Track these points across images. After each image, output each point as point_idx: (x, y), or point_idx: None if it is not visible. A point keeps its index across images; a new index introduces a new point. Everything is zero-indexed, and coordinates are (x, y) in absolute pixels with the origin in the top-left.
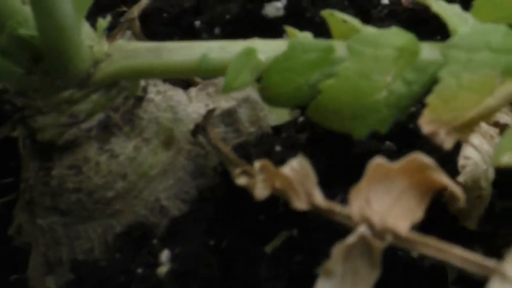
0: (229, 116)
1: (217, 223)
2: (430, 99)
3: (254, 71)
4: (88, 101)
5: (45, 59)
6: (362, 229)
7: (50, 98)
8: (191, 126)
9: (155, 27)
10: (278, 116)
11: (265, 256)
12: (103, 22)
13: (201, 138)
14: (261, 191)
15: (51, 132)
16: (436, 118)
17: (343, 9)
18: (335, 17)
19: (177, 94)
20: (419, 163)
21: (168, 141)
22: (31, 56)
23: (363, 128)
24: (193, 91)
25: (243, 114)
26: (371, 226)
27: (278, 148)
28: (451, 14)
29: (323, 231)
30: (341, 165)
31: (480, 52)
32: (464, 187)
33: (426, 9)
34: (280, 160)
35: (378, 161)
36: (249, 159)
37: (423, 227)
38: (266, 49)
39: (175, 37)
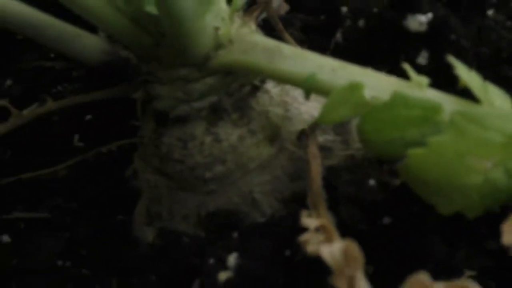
0: (341, 126)
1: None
2: None
3: (355, 107)
4: (203, 82)
5: (168, 37)
6: None
7: (170, 72)
8: (299, 127)
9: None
10: None
11: None
12: (239, 0)
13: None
14: (312, 249)
15: (165, 102)
16: None
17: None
18: (473, 79)
19: (296, 89)
20: None
21: (273, 138)
22: (158, 30)
23: (449, 207)
24: None
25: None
26: None
27: (371, 182)
28: None
29: None
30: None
31: None
32: None
33: None
34: (371, 200)
35: (420, 277)
36: (335, 187)
37: None
38: (375, 85)
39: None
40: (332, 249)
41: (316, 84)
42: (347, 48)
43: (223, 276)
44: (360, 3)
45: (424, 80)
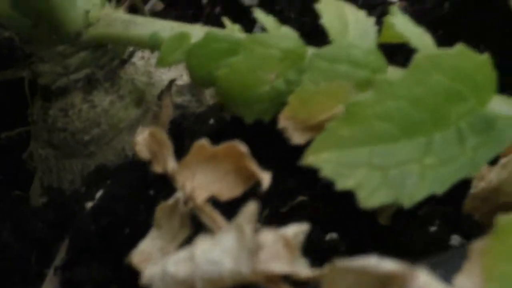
0: (195, 87)
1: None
2: (291, 98)
3: (184, 51)
4: (77, 56)
5: (44, 18)
6: (178, 195)
7: (49, 50)
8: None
9: None
10: None
11: None
12: None
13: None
14: (143, 153)
15: (48, 78)
16: (293, 116)
17: None
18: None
19: None
20: (236, 150)
21: (139, 101)
22: (36, 11)
23: (250, 115)
24: None
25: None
26: (184, 193)
27: (211, 121)
28: (334, 25)
29: None
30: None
31: (340, 64)
32: None
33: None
34: (208, 132)
35: (201, 143)
36: (180, 123)
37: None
38: (201, 34)
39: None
40: (143, 136)
41: (158, 41)
42: None
43: (89, 204)
44: None
45: (236, 27)
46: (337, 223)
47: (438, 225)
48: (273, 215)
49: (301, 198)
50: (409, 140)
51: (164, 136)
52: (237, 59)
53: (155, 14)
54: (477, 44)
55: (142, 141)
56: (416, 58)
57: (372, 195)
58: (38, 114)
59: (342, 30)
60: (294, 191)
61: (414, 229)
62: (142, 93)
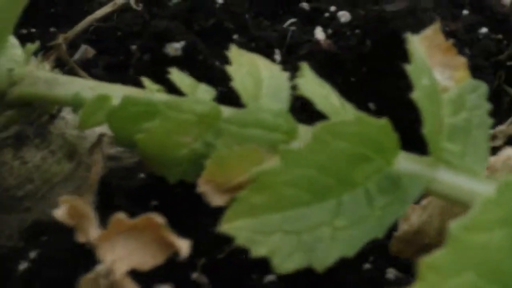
0: None
1: None
2: (208, 162)
3: (105, 113)
4: (4, 115)
5: None
6: (99, 267)
7: None
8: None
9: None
10: None
11: None
12: (31, 46)
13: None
14: (66, 219)
15: None
16: (211, 179)
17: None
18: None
19: None
20: (154, 221)
21: (71, 155)
22: None
23: (172, 176)
24: None
25: None
26: (105, 265)
27: (141, 175)
28: (246, 87)
29: None
30: None
31: (251, 128)
32: None
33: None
34: (138, 187)
35: (118, 217)
36: (110, 182)
37: None
38: (122, 95)
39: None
40: (63, 208)
41: (80, 101)
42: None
43: (22, 266)
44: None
45: (155, 87)
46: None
47: (372, 262)
48: (210, 263)
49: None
50: (320, 203)
51: (86, 208)
52: (154, 124)
53: (86, 62)
54: (397, 79)
55: (64, 212)
56: (316, 129)
57: (286, 260)
58: None
59: (254, 92)
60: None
61: (347, 267)
62: (73, 147)
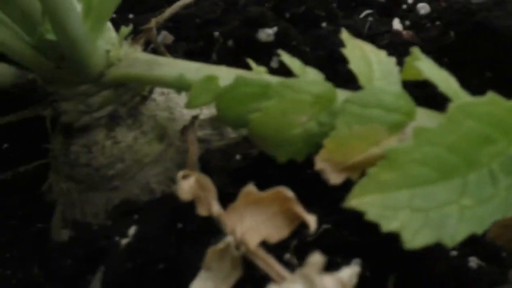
0: (216, 121)
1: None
2: (326, 141)
3: (213, 94)
4: (100, 95)
5: (67, 59)
6: (228, 239)
7: (72, 89)
8: (182, 125)
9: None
10: None
11: None
12: (125, 29)
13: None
14: (186, 195)
15: (71, 116)
16: (329, 158)
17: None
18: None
19: (178, 97)
20: (283, 195)
21: (162, 136)
22: (58, 55)
23: (283, 155)
24: None
25: None
26: (235, 237)
27: (237, 156)
28: (361, 70)
29: None
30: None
31: (372, 108)
32: None
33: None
34: (236, 168)
35: (248, 189)
36: (209, 160)
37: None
38: (228, 76)
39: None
40: (189, 182)
41: (185, 82)
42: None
43: (124, 241)
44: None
45: (262, 69)
46: (361, 249)
47: (458, 249)
48: (301, 244)
49: (325, 226)
50: (446, 182)
51: (208, 182)
52: (269, 103)
53: (166, 47)
54: (482, 71)
55: (187, 185)
56: (451, 108)
57: (415, 236)
58: (60, 150)
59: (369, 74)
60: (318, 221)
61: (434, 253)
62: (164, 128)
